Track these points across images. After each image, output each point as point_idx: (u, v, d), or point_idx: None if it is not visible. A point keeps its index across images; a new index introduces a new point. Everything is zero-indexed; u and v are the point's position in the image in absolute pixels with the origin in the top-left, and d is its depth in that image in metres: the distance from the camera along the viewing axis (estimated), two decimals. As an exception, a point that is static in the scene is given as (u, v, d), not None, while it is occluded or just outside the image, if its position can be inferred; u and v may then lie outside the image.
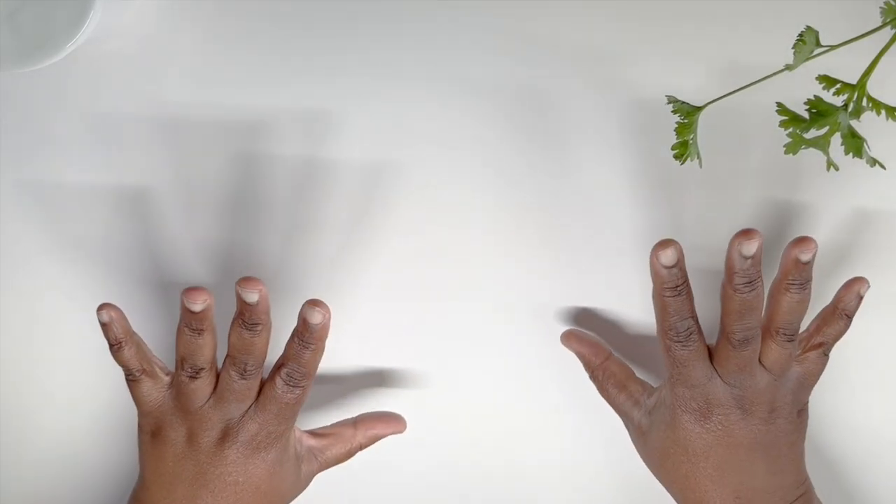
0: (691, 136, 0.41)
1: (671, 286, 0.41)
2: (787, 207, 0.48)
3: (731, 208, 0.48)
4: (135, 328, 0.44)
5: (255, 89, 0.48)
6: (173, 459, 0.43)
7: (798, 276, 0.41)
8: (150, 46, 0.47)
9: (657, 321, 0.43)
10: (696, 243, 0.48)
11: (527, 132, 0.48)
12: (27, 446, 0.50)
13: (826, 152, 0.40)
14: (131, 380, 0.44)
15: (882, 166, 0.40)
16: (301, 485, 0.46)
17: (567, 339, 0.47)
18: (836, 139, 0.39)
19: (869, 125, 0.40)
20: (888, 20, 0.39)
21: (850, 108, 0.39)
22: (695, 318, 0.42)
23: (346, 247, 0.49)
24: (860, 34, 0.39)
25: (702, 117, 0.42)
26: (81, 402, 0.50)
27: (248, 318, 0.43)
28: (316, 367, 0.44)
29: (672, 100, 0.42)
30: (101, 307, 0.43)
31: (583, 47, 0.47)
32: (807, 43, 0.38)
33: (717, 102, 0.42)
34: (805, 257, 0.41)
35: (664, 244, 0.41)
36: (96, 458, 0.50)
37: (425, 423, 0.49)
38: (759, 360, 0.42)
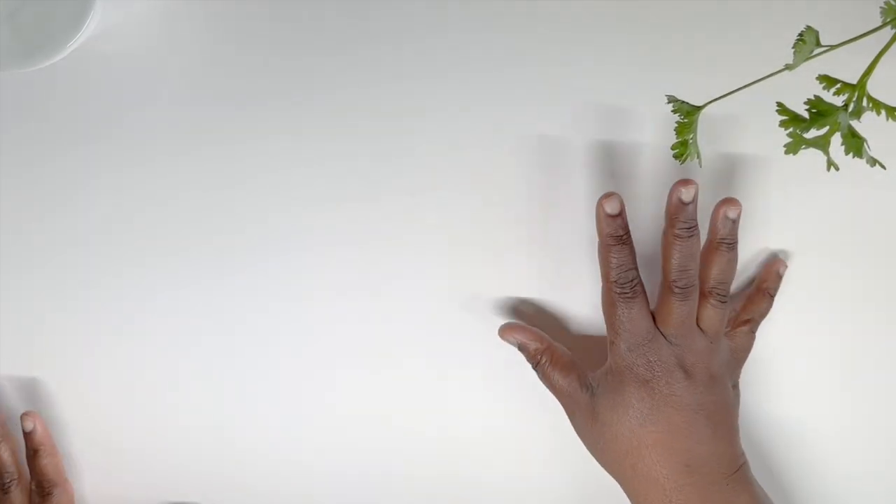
0: (691, 136, 0.41)
1: (615, 235, 0.44)
2: (786, 207, 0.48)
3: (731, 208, 0.48)
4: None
5: (256, 90, 0.48)
6: None
7: (727, 234, 0.44)
8: (150, 46, 0.47)
9: (602, 279, 0.45)
10: (697, 243, 0.48)
11: (511, 132, 0.48)
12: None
13: (826, 152, 0.40)
14: None
15: (882, 166, 0.40)
16: None
17: (507, 331, 0.47)
18: (836, 139, 0.39)
19: (869, 125, 0.39)
20: (888, 20, 0.39)
21: (850, 108, 0.39)
22: (637, 271, 0.44)
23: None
24: (860, 34, 0.39)
25: (702, 117, 0.42)
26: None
27: None
28: (58, 471, 0.48)
29: (672, 99, 0.42)
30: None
31: (581, 45, 0.47)
32: (807, 43, 0.38)
33: (717, 102, 0.42)
34: (732, 215, 0.44)
35: (608, 195, 0.44)
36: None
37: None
38: (697, 322, 0.44)
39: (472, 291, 0.49)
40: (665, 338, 0.43)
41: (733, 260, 0.45)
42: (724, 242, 0.45)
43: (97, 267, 0.49)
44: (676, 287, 0.43)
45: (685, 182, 0.44)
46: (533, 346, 0.46)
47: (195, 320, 0.49)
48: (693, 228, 0.44)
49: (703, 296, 0.44)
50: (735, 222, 0.45)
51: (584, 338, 0.49)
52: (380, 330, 0.49)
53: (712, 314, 0.44)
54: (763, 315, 0.47)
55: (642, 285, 0.44)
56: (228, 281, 0.49)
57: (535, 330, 0.47)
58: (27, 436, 0.48)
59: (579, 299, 0.48)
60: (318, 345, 0.49)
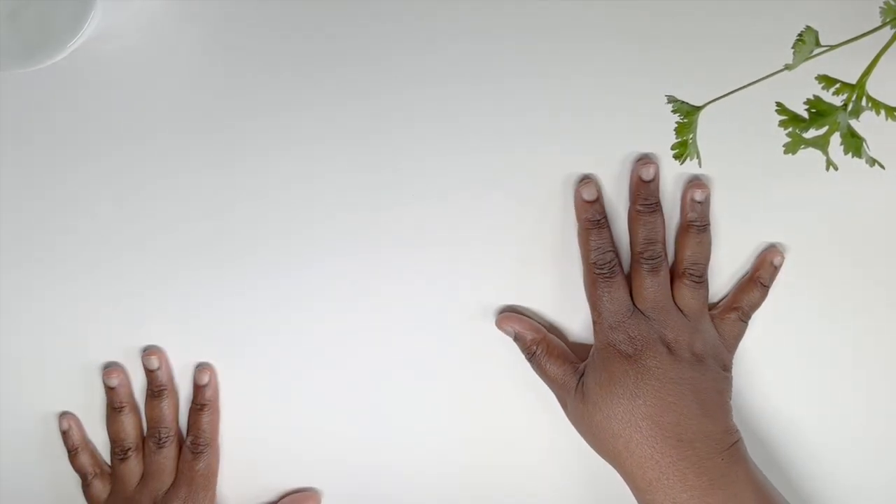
0: (691, 136, 0.41)
1: (592, 219, 0.46)
2: (786, 207, 0.48)
3: (730, 208, 0.48)
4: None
5: (255, 89, 0.48)
6: None
7: (697, 217, 0.46)
8: (151, 47, 0.47)
9: (583, 262, 0.47)
10: (696, 243, 0.48)
11: (507, 130, 0.48)
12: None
13: (825, 152, 0.40)
14: (85, 484, 0.49)
15: (882, 166, 0.40)
16: None
17: (504, 320, 0.48)
18: (836, 139, 0.39)
19: (868, 125, 0.39)
20: (888, 20, 0.39)
21: (849, 108, 0.39)
22: (615, 252, 0.46)
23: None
24: (860, 34, 0.39)
25: (702, 117, 0.41)
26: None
27: (153, 385, 0.48)
28: (215, 429, 0.48)
29: (672, 99, 0.42)
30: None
31: (581, 44, 0.47)
32: (806, 43, 0.38)
33: (717, 102, 0.42)
34: (699, 197, 0.46)
35: (586, 181, 0.46)
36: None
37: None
38: (674, 301, 0.45)
39: (480, 295, 0.49)
40: (643, 314, 0.45)
41: (706, 241, 0.46)
42: (694, 224, 0.46)
43: (97, 267, 0.49)
44: (644, 259, 0.45)
45: (646, 162, 0.46)
46: (529, 336, 0.47)
47: (193, 325, 0.49)
48: (654, 205, 0.46)
49: (678, 276, 0.46)
50: (703, 204, 0.46)
51: (587, 339, 0.49)
52: (385, 332, 0.49)
53: (687, 294, 0.46)
54: (754, 304, 0.47)
55: (621, 266, 0.46)
56: (228, 283, 0.49)
57: (532, 321, 0.48)
58: (199, 389, 0.48)
59: (583, 302, 0.48)
60: (320, 345, 0.50)
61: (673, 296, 0.46)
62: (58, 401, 0.50)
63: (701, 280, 0.46)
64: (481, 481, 0.50)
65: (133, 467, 0.48)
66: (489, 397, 0.49)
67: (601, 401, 0.44)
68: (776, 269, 0.47)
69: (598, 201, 0.46)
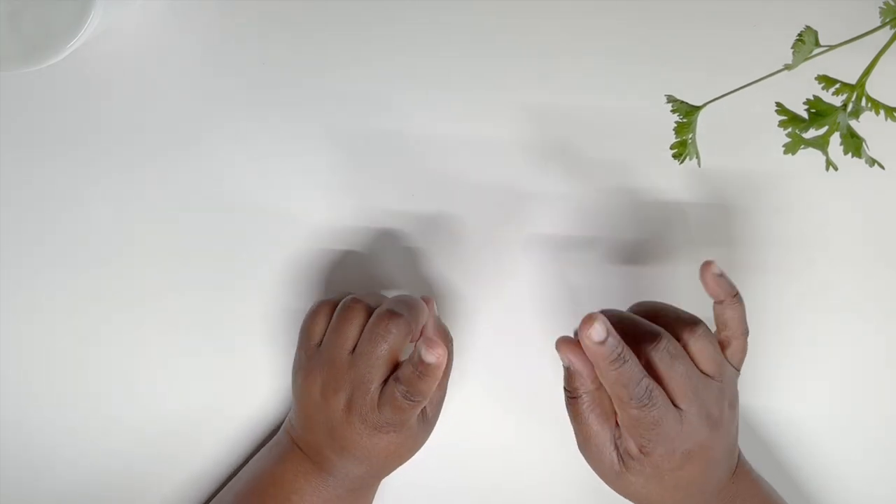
0: (690, 136, 0.41)
1: (613, 359, 0.39)
2: (786, 207, 0.48)
3: (729, 208, 0.48)
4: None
5: (255, 89, 0.48)
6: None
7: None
8: (151, 46, 0.48)
9: (612, 394, 0.40)
10: (695, 243, 0.48)
11: (513, 127, 0.48)
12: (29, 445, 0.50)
13: (825, 152, 0.40)
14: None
15: (881, 166, 0.40)
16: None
17: (565, 348, 0.42)
18: (836, 139, 0.39)
19: (868, 125, 0.39)
20: (888, 20, 0.39)
21: (849, 108, 0.39)
22: (647, 374, 0.40)
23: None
24: (860, 34, 0.39)
25: (701, 117, 0.42)
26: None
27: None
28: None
29: (672, 99, 0.42)
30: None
31: (583, 46, 0.47)
32: (806, 43, 0.38)
33: (717, 102, 0.42)
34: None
35: (587, 322, 0.38)
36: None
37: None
38: (698, 366, 0.41)
39: (481, 296, 0.49)
40: (685, 412, 0.40)
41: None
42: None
43: (98, 267, 0.49)
44: (635, 403, 0.40)
45: (588, 322, 0.38)
46: (585, 379, 0.42)
47: (194, 328, 0.49)
48: (622, 356, 0.39)
49: (726, 341, 0.42)
50: (723, 276, 0.42)
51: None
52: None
53: (705, 351, 0.42)
54: (736, 319, 0.42)
55: (657, 389, 0.40)
56: (227, 287, 0.49)
57: (590, 362, 0.41)
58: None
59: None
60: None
61: (694, 361, 0.41)
62: (58, 397, 0.50)
63: (709, 333, 0.42)
64: (483, 487, 0.50)
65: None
66: (489, 400, 0.49)
67: (642, 476, 0.41)
68: (722, 276, 0.42)
69: (610, 334, 0.39)
